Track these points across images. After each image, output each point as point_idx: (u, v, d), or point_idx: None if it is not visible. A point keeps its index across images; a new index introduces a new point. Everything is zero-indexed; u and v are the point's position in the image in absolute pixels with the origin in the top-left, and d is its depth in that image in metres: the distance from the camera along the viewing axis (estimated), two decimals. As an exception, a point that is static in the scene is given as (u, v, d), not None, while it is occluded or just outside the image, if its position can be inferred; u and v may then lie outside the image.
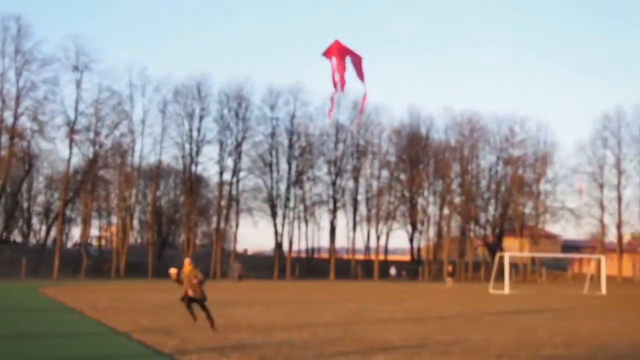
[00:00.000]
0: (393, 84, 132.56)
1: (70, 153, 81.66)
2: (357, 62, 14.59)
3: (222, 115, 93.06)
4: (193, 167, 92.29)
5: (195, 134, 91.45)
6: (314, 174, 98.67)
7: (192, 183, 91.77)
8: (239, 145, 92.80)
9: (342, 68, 14.39)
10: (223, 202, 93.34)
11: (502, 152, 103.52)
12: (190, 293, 17.96)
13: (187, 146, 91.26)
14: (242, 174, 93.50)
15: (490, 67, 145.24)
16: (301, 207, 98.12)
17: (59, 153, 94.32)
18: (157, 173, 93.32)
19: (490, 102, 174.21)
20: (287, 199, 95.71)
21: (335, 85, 15.04)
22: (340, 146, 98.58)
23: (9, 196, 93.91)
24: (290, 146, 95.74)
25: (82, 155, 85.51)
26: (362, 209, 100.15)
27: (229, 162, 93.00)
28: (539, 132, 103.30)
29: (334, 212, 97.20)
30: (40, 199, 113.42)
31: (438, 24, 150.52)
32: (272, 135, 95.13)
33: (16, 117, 77.23)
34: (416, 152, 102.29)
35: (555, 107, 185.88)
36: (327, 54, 14.24)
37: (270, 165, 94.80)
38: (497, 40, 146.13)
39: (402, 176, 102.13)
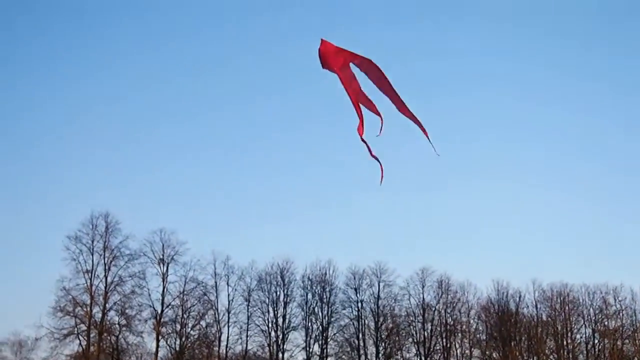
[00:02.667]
0: (477, 260, 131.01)
1: (158, 346, 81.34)
2: (372, 69, 10.80)
3: (306, 300, 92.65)
4: (280, 355, 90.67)
5: (280, 320, 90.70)
6: (403, 355, 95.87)
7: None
8: (324, 330, 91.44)
9: (348, 82, 10.77)
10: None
11: (598, 325, 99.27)
12: None
13: (272, 333, 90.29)
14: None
15: (576, 238, 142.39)
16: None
17: (146, 346, 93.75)
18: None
19: (580, 273, 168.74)
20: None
21: (358, 112, 10.89)
22: (428, 326, 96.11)
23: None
24: (377, 328, 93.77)
25: (168, 347, 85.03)
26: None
27: (316, 347, 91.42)
28: (634, 302, 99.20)
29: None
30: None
31: (516, 194, 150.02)
32: (358, 318, 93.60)
33: (104, 313, 77.89)
34: (507, 329, 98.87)
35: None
36: (328, 64, 10.74)
37: (358, 349, 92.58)
38: (579, 209, 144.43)
39: (495, 354, 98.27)
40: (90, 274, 77.72)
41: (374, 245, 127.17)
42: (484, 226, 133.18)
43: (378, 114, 10.82)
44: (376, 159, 11.02)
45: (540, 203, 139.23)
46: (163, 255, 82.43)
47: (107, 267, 78.53)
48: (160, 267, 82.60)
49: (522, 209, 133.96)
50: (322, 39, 10.51)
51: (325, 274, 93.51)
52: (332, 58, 10.42)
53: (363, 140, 10.85)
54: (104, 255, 78.79)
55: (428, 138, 11.23)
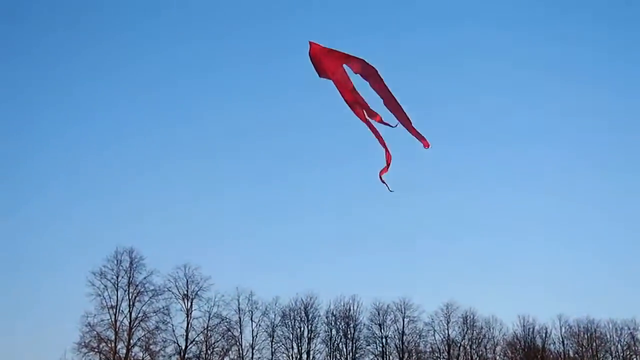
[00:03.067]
0: (502, 295, 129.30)
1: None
2: (366, 70, 9.97)
3: (330, 336, 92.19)
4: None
5: (304, 356, 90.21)
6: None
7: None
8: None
9: (345, 86, 10.02)
10: None
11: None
12: None
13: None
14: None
15: (602, 272, 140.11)
16: None
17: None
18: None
19: (606, 308, 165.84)
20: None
21: (361, 116, 10.31)
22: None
23: None
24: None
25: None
26: None
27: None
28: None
29: None
30: None
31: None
32: (383, 354, 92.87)
33: (129, 348, 77.76)
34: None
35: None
36: (323, 70, 9.95)
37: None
38: (605, 243, 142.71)
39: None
40: (114, 310, 77.83)
41: (398, 280, 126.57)
42: (509, 260, 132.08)
43: (391, 124, 10.48)
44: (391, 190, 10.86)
45: (566, 237, 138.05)
46: (187, 291, 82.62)
47: (131, 303, 78.68)
48: (184, 303, 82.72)
49: (546, 242, 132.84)
50: (310, 42, 9.76)
51: (350, 309, 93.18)
52: (325, 61, 9.76)
53: (382, 180, 10.68)
54: (129, 290, 78.98)
55: (423, 141, 10.74)
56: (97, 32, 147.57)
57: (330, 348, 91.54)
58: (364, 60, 9.67)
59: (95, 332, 76.81)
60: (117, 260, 79.69)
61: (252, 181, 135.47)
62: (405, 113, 10.57)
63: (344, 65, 9.98)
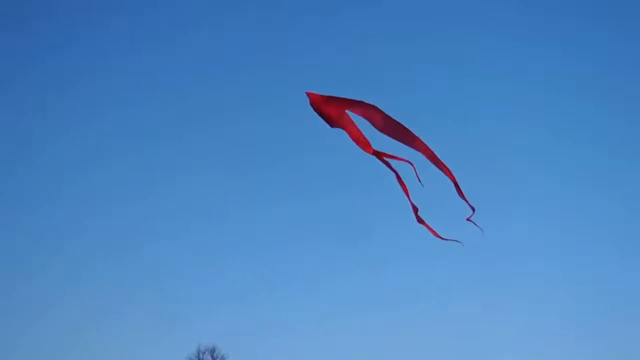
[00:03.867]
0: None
1: None
2: (371, 112, 8.59)
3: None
4: None
5: None
6: None
7: None
8: None
9: (354, 129, 8.61)
10: None
11: None
12: None
13: None
14: None
15: None
16: None
17: None
18: None
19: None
20: None
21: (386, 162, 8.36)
22: None
23: None
24: None
25: None
26: None
27: None
28: None
29: None
30: None
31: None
32: None
33: None
34: None
35: None
36: (331, 120, 8.79)
37: None
38: None
39: None
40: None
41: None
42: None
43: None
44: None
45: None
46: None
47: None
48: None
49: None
50: (307, 93, 8.98)
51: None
52: (326, 110, 8.84)
53: (433, 231, 8.18)
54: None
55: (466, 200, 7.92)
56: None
57: None
58: (362, 102, 8.62)
59: None
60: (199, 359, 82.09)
61: (330, 277, 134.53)
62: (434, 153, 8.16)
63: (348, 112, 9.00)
